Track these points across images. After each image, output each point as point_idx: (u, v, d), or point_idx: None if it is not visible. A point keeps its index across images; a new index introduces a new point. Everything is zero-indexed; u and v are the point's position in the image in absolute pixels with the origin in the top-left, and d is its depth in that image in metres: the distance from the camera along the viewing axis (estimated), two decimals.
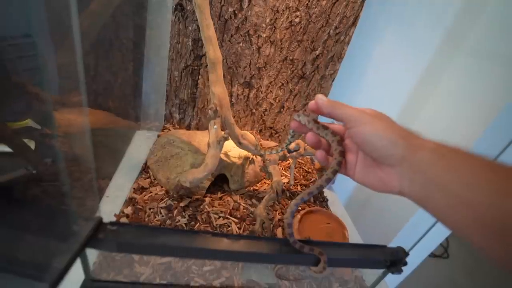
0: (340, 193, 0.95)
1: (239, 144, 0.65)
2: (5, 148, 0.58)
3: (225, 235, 0.42)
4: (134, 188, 0.66)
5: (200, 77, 0.87)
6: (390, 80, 0.97)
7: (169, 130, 0.93)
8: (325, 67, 0.90)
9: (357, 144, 0.32)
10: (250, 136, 0.67)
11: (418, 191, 0.28)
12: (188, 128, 0.97)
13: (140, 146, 0.88)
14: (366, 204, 1.12)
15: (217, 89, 0.62)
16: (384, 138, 0.29)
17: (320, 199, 0.81)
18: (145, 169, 0.73)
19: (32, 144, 0.68)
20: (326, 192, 0.88)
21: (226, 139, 0.58)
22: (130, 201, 0.62)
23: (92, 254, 0.50)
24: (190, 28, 0.79)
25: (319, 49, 0.85)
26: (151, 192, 0.65)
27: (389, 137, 0.29)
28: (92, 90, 0.87)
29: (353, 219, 0.83)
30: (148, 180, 0.70)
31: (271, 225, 0.64)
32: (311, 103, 0.33)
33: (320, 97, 0.33)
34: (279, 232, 0.64)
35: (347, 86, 1.04)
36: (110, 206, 0.63)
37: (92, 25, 0.76)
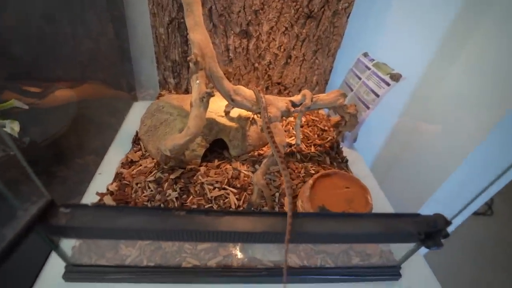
0: (365, 154, 0.82)
1: (232, 101, 0.54)
2: None
3: (203, 211, 0.33)
4: (122, 163, 0.59)
5: None
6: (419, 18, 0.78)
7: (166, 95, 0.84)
8: (337, 0, 0.72)
9: None
10: (245, 90, 0.56)
11: None
12: (187, 92, 0.87)
13: (136, 117, 0.81)
14: (395, 165, 0.98)
15: (196, 35, 0.50)
16: None
17: (338, 160, 0.69)
18: (136, 141, 0.66)
19: (16, 125, 0.64)
20: (346, 152, 0.75)
21: (210, 95, 0.48)
22: (116, 176, 0.56)
23: (70, 240, 0.45)
24: None
25: None
26: (140, 166, 0.58)
27: None
28: (75, 60, 0.80)
29: (380, 181, 0.71)
30: (139, 152, 0.63)
31: (277, 194, 0.55)
32: None
33: None
34: (286, 201, 0.54)
35: (365, 23, 0.86)
36: (101, 184, 0.57)
37: None
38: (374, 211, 0.55)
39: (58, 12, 0.71)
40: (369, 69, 0.77)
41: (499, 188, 0.80)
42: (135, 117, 0.83)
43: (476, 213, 1.69)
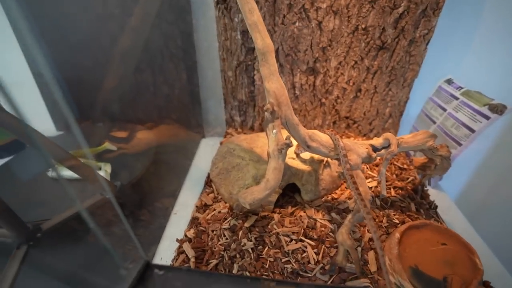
0: (449, 188, 0.71)
1: (308, 147, 0.52)
2: (74, 175, 0.60)
3: (293, 284, 0.31)
4: (197, 206, 0.61)
5: (255, 72, 0.77)
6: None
7: (232, 135, 0.86)
8: (414, 28, 0.67)
9: None
10: (321, 136, 0.53)
11: None
12: (252, 129, 0.88)
13: (205, 156, 0.85)
14: (488, 205, 0.82)
15: (272, 84, 0.50)
16: None
17: (425, 206, 0.60)
18: (208, 183, 0.68)
19: (108, 167, 0.71)
20: (433, 193, 0.66)
21: (288, 146, 0.47)
22: (193, 221, 0.57)
23: None
24: (236, 19, 0.69)
25: (402, 4, 0.63)
26: (214, 210, 0.59)
27: None
28: (154, 105, 0.88)
29: (476, 229, 0.60)
30: (212, 195, 0.64)
31: (359, 248, 0.50)
32: None
33: None
34: (370, 258, 0.49)
35: (449, 45, 0.77)
36: (175, 227, 0.60)
37: (138, 41, 0.75)
38: (486, 278, 0.46)
39: (143, 63, 0.81)
40: (456, 98, 0.68)
41: None
42: (204, 154, 0.87)
43: None
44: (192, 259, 0.49)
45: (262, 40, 0.51)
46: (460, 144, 0.63)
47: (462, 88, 0.69)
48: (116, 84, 0.82)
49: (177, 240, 0.53)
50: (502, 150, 0.76)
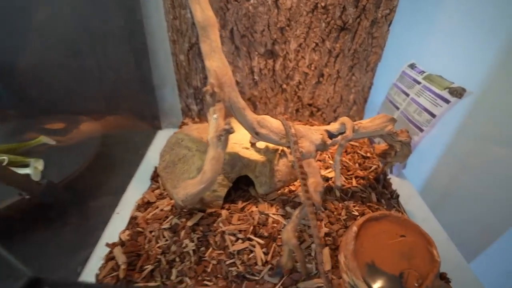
0: (412, 177, 0.68)
1: (256, 135, 0.46)
2: None
3: None
4: (138, 204, 0.54)
5: None
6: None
7: (188, 125, 0.79)
8: (376, 7, 0.63)
9: None
10: (272, 121, 0.47)
11: None
12: None
13: (159, 149, 0.77)
14: (451, 192, 0.81)
15: (213, 62, 0.44)
16: None
17: (386, 196, 0.57)
18: (154, 177, 0.61)
19: (40, 164, 0.62)
20: (396, 182, 0.63)
21: (229, 132, 0.41)
22: (130, 222, 0.50)
23: None
24: None
25: None
26: (157, 208, 0.52)
27: None
28: (99, 94, 0.79)
29: (438, 218, 0.57)
30: (158, 191, 0.57)
31: (313, 245, 0.45)
32: None
33: None
34: (326, 255, 0.44)
35: (410, 28, 0.74)
36: (116, 229, 0.52)
37: (74, 21, 0.66)
38: (443, 269, 0.43)
39: (80, 45, 0.71)
40: (418, 83, 0.65)
41: None
42: (158, 147, 0.79)
43: None
44: (123, 266, 0.42)
45: (202, 12, 0.45)
46: (422, 130, 0.60)
47: (424, 72, 0.66)
48: (48, 71, 0.72)
49: (107, 244, 0.46)
50: (463, 136, 0.75)
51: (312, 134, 0.46)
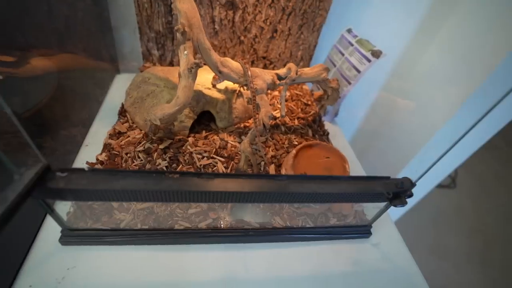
0: (345, 127, 0.86)
1: (219, 73, 0.55)
2: None
3: (195, 174, 0.36)
4: (110, 134, 0.60)
5: None
6: None
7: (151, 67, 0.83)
8: None
9: None
10: (232, 63, 0.57)
11: None
12: (171, 65, 0.86)
13: (119, 90, 0.80)
14: (373, 137, 1.04)
15: (183, 4, 0.50)
16: None
17: (320, 132, 0.73)
18: (122, 113, 0.66)
19: None
20: (328, 125, 0.80)
21: (199, 65, 0.49)
22: (105, 147, 0.56)
23: (64, 205, 0.47)
24: None
25: None
26: (128, 137, 0.59)
27: None
28: (50, 30, 0.75)
29: (359, 153, 0.76)
30: (127, 124, 0.63)
31: (263, 162, 0.58)
32: None
33: None
34: (271, 170, 0.58)
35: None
36: (89, 155, 0.58)
37: None
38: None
39: None
40: (352, 45, 0.79)
41: (461, 161, 0.88)
42: (118, 89, 0.81)
43: (440, 186, 1.84)
44: None
45: None
46: (350, 83, 0.76)
47: (357, 36, 0.80)
48: None
49: (87, 162, 0.52)
50: (384, 91, 0.94)
51: (265, 75, 0.57)
